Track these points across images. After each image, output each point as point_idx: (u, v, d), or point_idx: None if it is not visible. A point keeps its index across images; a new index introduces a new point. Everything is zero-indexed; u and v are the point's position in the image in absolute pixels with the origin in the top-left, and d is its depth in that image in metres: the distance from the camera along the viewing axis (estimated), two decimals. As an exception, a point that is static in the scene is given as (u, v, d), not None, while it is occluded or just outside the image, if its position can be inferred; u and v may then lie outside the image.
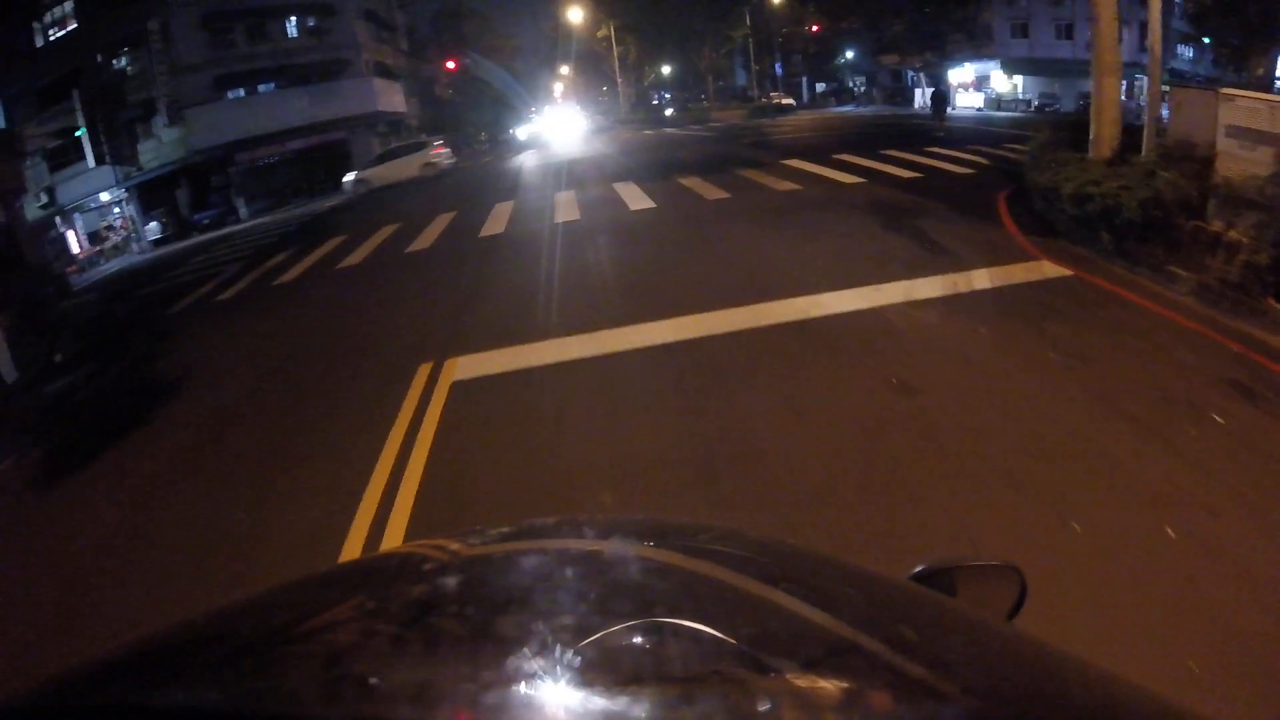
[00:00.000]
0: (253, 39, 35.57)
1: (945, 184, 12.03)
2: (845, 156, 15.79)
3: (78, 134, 34.14)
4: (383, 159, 27.37)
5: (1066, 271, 7.03)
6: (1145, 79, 28.98)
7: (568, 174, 19.06)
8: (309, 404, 5.89)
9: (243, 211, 33.45)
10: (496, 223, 12.68)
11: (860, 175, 13.01)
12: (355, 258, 12.07)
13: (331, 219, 20.12)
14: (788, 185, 12.48)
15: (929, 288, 6.55)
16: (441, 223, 13.87)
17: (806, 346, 5.39)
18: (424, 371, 5.89)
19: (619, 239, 10.06)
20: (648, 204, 12.25)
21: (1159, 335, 5.47)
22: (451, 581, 0.88)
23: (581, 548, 0.98)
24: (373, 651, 0.71)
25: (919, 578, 1.08)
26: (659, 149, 24.00)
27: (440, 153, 27.36)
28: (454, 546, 0.96)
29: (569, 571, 0.89)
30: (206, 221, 32.57)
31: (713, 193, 12.52)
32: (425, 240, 12.25)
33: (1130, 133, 9.76)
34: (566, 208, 13.01)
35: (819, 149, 18.05)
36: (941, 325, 5.73)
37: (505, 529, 1.02)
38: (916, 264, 7.34)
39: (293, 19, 37.00)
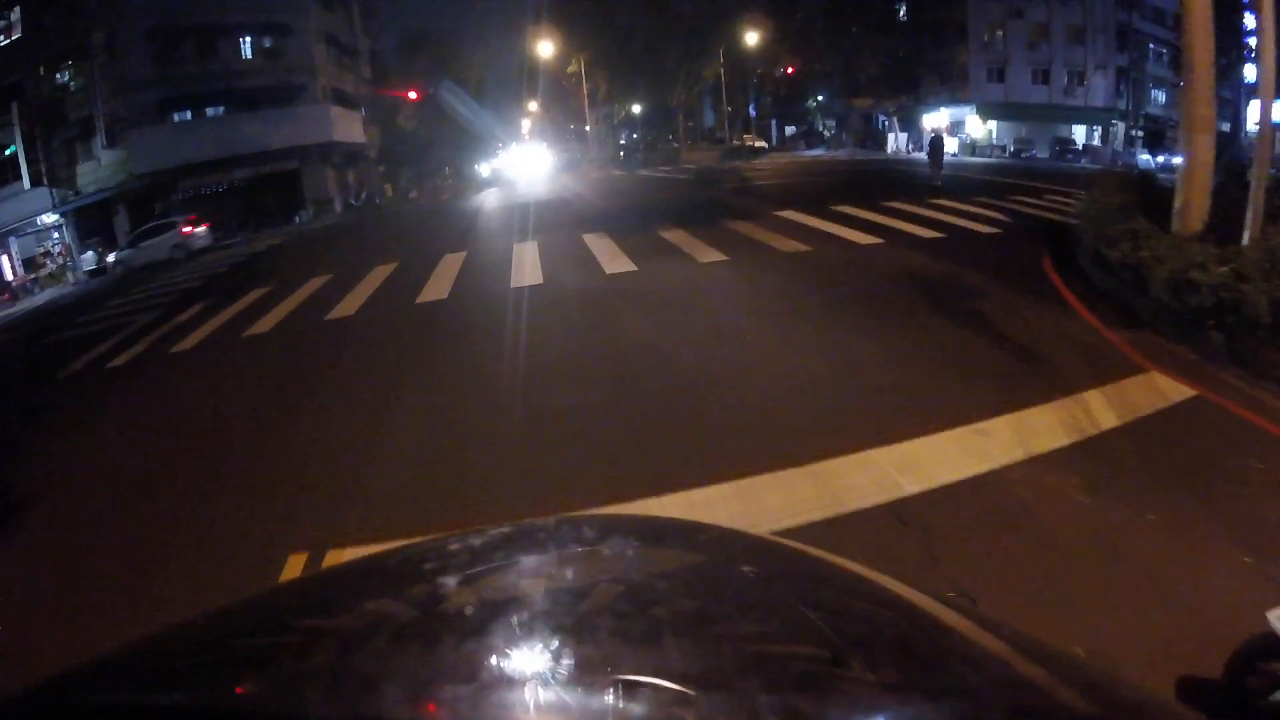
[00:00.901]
0: (202, 58, 32.99)
1: (975, 247, 10.25)
2: (846, 208, 14.02)
3: (8, 151, 31.35)
4: (136, 241, 25.59)
5: (1189, 391, 5.27)
6: (1120, 124, 27.90)
7: (532, 218, 16.95)
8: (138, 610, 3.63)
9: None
10: (441, 282, 10.48)
11: (873, 234, 11.15)
12: (267, 322, 9.82)
13: (264, 262, 17.96)
14: (793, 245, 10.51)
15: (1045, 427, 4.55)
16: (378, 277, 11.65)
17: (918, 566, 3.22)
18: (294, 569, 3.68)
19: (594, 319, 7.84)
20: (626, 265, 10.14)
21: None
22: (451, 581, 0.86)
23: (581, 548, 0.94)
24: (372, 651, 0.70)
25: None
26: (632, 192, 22.08)
27: (191, 234, 25.37)
28: (453, 547, 0.94)
29: (569, 572, 0.87)
30: None
31: (704, 252, 10.48)
32: (352, 302, 10.01)
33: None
34: (528, 266, 10.85)
35: (812, 198, 16.29)
36: (1094, 509, 3.69)
37: (505, 529, 0.99)
38: (1008, 379, 5.37)
39: (246, 38, 34.57)
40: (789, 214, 13.73)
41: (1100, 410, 4.90)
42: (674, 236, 11.97)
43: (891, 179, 22.41)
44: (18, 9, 31.24)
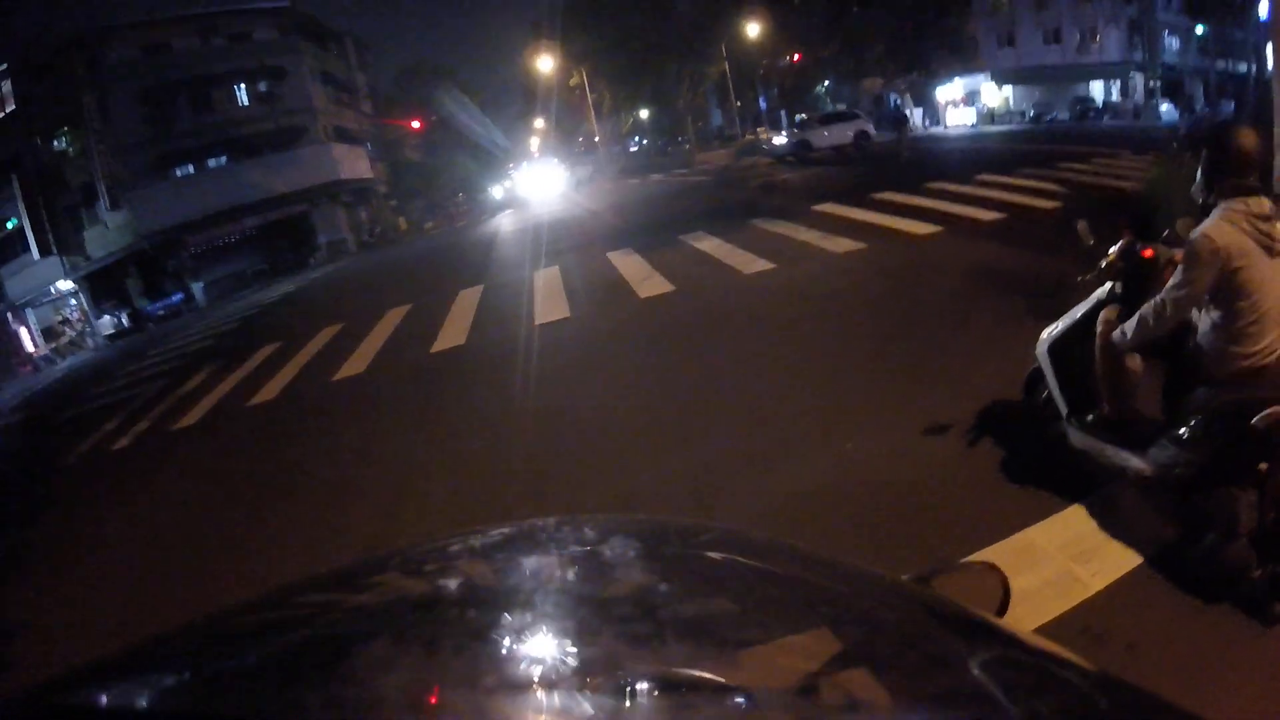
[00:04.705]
0: (198, 110, 32.77)
1: (1043, 227, 8.95)
2: (888, 195, 12.81)
3: (9, 225, 31.34)
4: None
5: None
6: (1138, 77, 26.32)
7: (549, 240, 15.97)
8: None
9: (199, 299, 30.40)
10: (457, 325, 9.47)
11: (928, 221, 9.94)
12: (273, 387, 8.93)
13: (275, 314, 17.38)
14: (845, 243, 9.32)
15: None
16: (390, 323, 10.71)
17: None
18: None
19: (634, 358, 6.69)
20: (662, 285, 9.00)
21: None
22: (451, 582, 0.86)
23: (582, 548, 0.93)
24: (372, 652, 0.69)
25: None
26: (652, 201, 20.91)
27: None
28: (454, 547, 0.94)
29: (570, 573, 0.86)
30: (161, 312, 29.55)
31: (746, 261, 9.32)
32: (362, 357, 9.04)
33: None
34: (551, 296, 9.81)
35: (846, 188, 15.06)
36: None
37: (506, 529, 0.98)
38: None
39: (241, 86, 34.24)
40: (828, 207, 12.55)
41: None
42: (709, 246, 10.82)
43: (921, 158, 21.10)
44: (8, 82, 31.13)
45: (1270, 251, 2.45)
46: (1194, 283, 2.52)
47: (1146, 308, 2.70)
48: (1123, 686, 0.73)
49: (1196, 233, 2.50)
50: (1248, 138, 2.49)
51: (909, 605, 0.85)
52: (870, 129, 28.39)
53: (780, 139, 28.57)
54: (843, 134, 26.53)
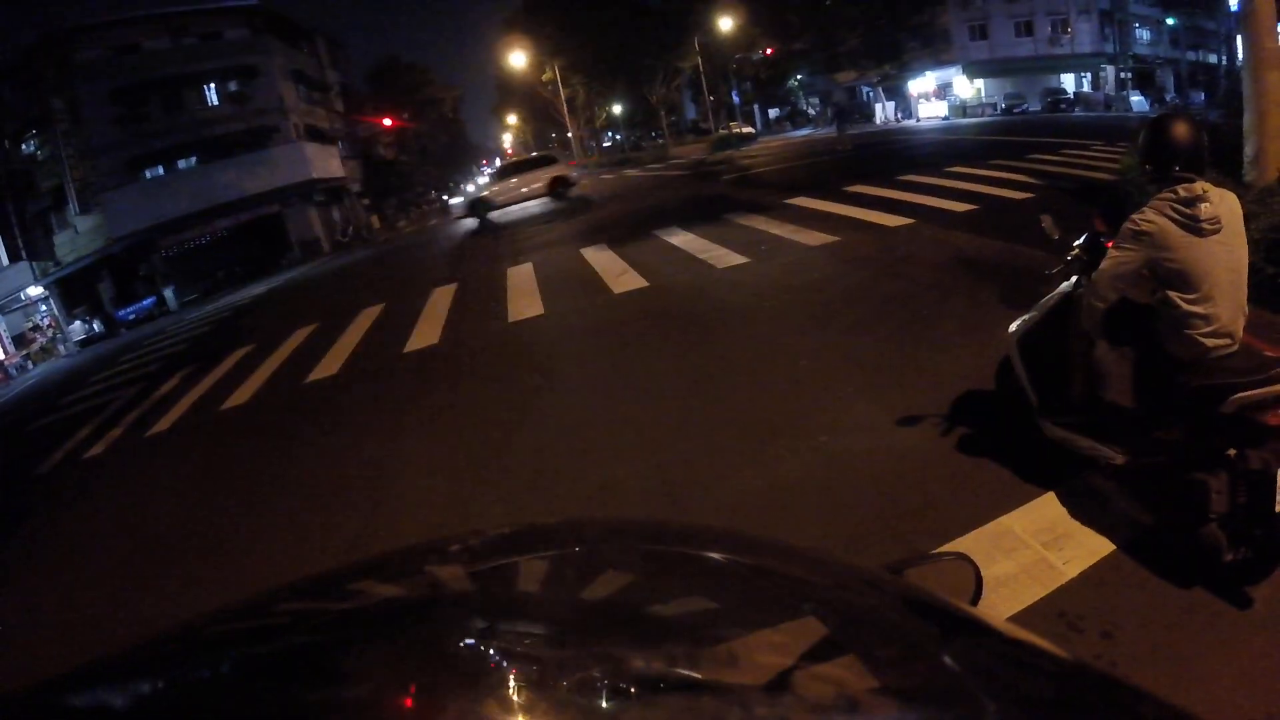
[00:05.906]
0: (168, 111, 32.15)
1: (1015, 216, 9.04)
2: (860, 188, 12.86)
3: (-27, 232, 30.71)
4: None
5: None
6: (1109, 69, 26.68)
7: (523, 237, 15.84)
8: None
9: (171, 303, 29.87)
10: (430, 324, 9.35)
11: (900, 213, 9.98)
12: (245, 390, 8.79)
13: (249, 316, 17.12)
14: (819, 236, 9.32)
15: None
16: (363, 323, 10.56)
17: None
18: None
19: (609, 355, 6.64)
20: (636, 281, 8.93)
21: None
22: (451, 583, 0.86)
23: (582, 550, 0.94)
24: (370, 653, 0.69)
25: None
26: (626, 196, 20.84)
27: None
28: (454, 548, 0.94)
29: (569, 574, 0.87)
30: (133, 317, 29.02)
31: (720, 255, 9.29)
32: (335, 358, 8.90)
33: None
34: (525, 293, 9.70)
35: (819, 181, 15.13)
36: None
37: (506, 530, 0.99)
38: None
39: (211, 86, 33.68)
40: (801, 201, 12.55)
41: None
42: (680, 240, 10.78)
43: (890, 152, 21.22)
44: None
45: (1199, 233, 2.53)
46: (1118, 262, 2.68)
47: (1085, 290, 2.86)
48: (1097, 675, 0.73)
49: (1128, 220, 2.65)
50: (1176, 129, 2.60)
51: (897, 600, 0.86)
52: (571, 174, 24.93)
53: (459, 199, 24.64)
54: (532, 184, 23.48)
